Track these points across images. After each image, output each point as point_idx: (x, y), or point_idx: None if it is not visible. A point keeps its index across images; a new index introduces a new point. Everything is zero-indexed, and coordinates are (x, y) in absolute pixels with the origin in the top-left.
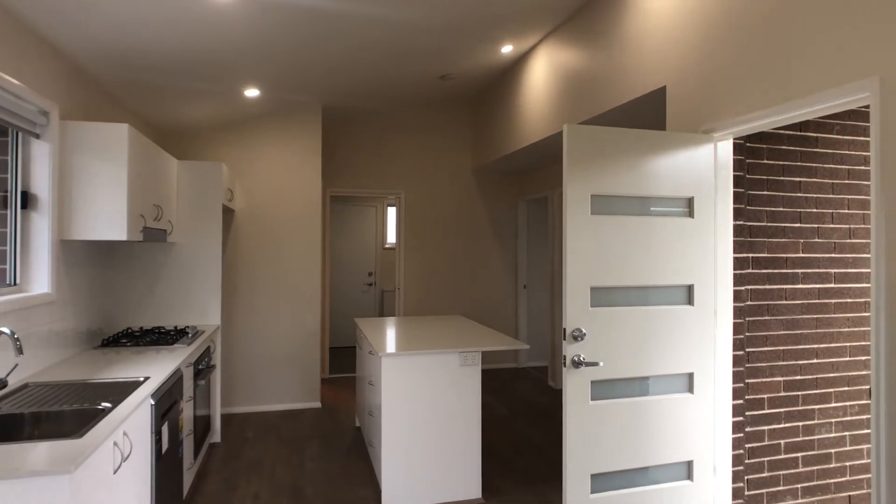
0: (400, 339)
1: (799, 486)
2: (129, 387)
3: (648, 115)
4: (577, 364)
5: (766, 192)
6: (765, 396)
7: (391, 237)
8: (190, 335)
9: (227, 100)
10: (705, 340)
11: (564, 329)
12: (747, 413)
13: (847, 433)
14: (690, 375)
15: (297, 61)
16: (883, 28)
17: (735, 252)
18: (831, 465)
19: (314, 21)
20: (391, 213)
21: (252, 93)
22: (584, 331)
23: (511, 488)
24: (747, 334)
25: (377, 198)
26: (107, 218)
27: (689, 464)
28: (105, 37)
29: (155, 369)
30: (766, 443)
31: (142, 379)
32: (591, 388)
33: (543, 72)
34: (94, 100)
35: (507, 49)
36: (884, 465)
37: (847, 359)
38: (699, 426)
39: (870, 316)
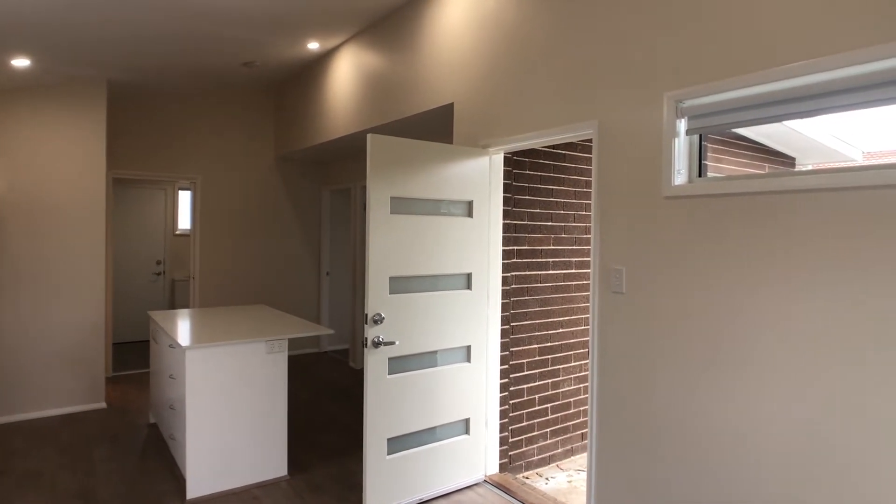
0: (203, 331)
1: (548, 430)
2: None
3: (443, 124)
4: (376, 344)
5: (527, 197)
6: (524, 361)
7: (183, 223)
8: None
9: None
10: (480, 318)
11: (366, 314)
12: (511, 375)
13: (581, 385)
14: (468, 348)
15: (79, 31)
16: (601, 90)
17: (504, 245)
18: (570, 411)
19: None
20: (184, 196)
21: (21, 62)
22: (383, 315)
23: (316, 463)
24: (512, 311)
25: (168, 181)
26: None
27: (467, 421)
28: None
29: None
30: (525, 398)
31: None
32: (388, 364)
33: (349, 71)
34: None
35: (313, 45)
36: (595, 403)
37: (583, 327)
38: (474, 389)
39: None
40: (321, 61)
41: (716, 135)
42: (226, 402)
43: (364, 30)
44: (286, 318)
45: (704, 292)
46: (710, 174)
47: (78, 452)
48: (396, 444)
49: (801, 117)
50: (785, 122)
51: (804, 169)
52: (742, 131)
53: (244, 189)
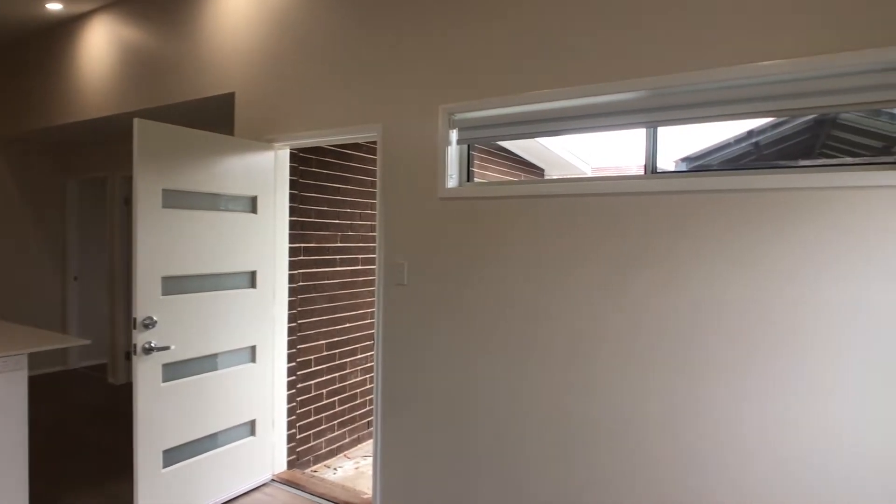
0: None
1: (336, 422)
2: None
3: (223, 114)
4: (147, 350)
5: (314, 195)
6: (312, 357)
7: None
8: None
9: None
10: (265, 317)
11: (135, 318)
12: (299, 373)
13: (367, 376)
14: (253, 348)
15: None
16: (386, 97)
17: (290, 242)
18: (357, 402)
19: None
20: None
21: None
22: (155, 318)
23: (68, 494)
24: (299, 309)
25: None
26: None
27: (252, 423)
28: None
29: None
30: (312, 394)
31: None
32: (162, 371)
33: (106, 43)
34: None
35: (54, 6)
36: (380, 389)
37: (369, 321)
38: (260, 390)
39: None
40: (67, 27)
41: (483, 145)
42: None
43: None
44: (21, 331)
45: (473, 282)
46: (476, 180)
47: None
48: (174, 454)
49: (548, 136)
50: (537, 139)
51: (549, 178)
52: (506, 144)
53: None
